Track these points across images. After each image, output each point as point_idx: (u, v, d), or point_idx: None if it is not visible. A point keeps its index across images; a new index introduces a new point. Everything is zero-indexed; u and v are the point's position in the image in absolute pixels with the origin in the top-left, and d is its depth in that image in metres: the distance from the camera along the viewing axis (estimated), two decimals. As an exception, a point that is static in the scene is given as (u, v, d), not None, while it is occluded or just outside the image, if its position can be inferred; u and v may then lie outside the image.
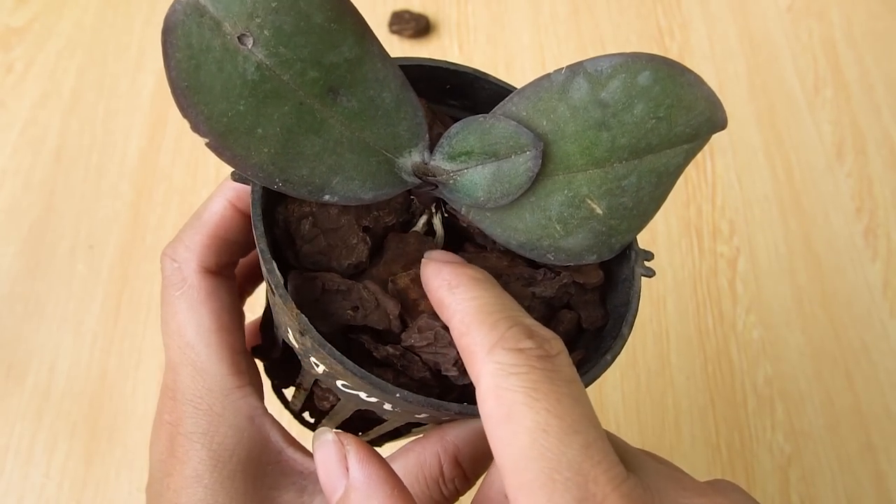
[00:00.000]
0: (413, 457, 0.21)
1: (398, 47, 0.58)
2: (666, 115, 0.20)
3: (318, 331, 0.19)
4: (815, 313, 0.48)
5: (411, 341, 0.20)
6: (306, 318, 0.19)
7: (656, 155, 0.20)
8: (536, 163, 0.20)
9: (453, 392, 0.21)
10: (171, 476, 0.21)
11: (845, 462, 0.44)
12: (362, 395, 0.20)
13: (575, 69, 0.20)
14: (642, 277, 0.22)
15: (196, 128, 0.18)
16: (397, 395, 0.18)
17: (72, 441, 0.46)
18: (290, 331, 0.20)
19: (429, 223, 0.23)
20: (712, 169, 0.50)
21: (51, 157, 0.56)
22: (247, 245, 0.24)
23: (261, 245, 0.19)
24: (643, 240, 0.22)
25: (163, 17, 0.17)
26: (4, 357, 0.49)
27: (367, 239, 0.21)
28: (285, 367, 0.27)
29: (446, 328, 0.19)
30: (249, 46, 0.18)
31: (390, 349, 0.20)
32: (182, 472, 0.21)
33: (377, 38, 0.19)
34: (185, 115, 0.18)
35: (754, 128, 0.52)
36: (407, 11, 0.58)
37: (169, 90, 0.18)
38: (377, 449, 0.20)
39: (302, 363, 0.23)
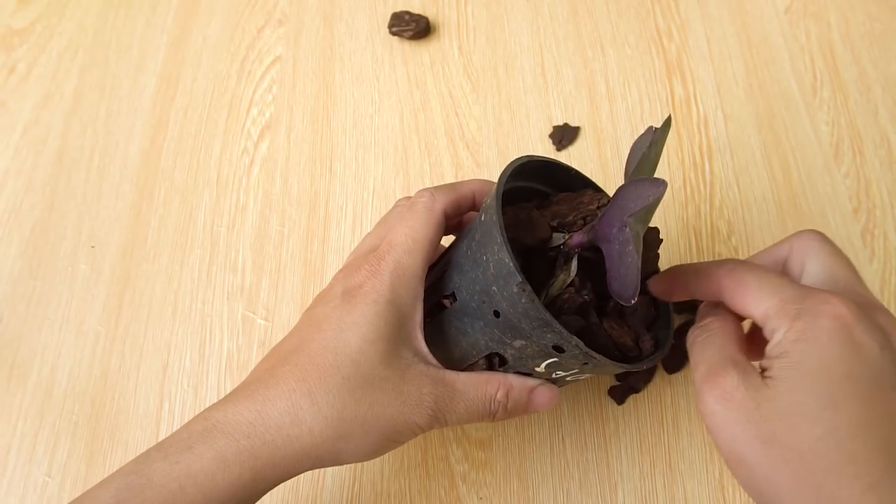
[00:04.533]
0: (484, 378, 0.34)
1: (398, 48, 0.58)
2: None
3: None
4: (813, 313, 0.48)
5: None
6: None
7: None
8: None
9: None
10: (354, 297, 0.32)
11: (843, 461, 0.44)
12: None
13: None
14: None
15: None
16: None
17: (73, 440, 0.46)
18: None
19: None
20: (710, 169, 0.51)
21: (53, 157, 0.57)
22: (457, 226, 0.38)
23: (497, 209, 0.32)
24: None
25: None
26: (7, 356, 0.49)
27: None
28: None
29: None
30: None
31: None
32: (364, 296, 0.32)
33: None
34: None
35: (752, 128, 0.52)
36: (407, 12, 0.59)
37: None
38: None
39: None
